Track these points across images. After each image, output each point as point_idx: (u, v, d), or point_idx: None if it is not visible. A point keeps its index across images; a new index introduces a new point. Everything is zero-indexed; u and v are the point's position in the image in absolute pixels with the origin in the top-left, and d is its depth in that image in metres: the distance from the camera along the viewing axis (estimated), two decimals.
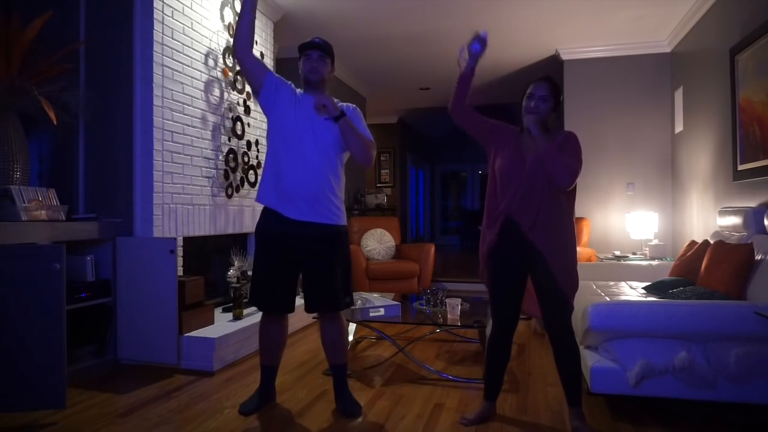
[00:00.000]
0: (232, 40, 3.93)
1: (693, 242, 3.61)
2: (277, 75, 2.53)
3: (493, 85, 7.07)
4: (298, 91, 2.52)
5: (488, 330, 2.57)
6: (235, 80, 3.98)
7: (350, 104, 2.56)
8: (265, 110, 2.50)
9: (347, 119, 2.37)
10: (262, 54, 4.33)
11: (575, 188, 2.29)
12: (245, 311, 3.61)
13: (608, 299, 2.99)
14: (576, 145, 2.28)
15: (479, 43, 2.30)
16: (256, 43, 4.27)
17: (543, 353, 3.53)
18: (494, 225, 2.31)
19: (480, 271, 2.41)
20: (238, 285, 3.61)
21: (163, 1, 3.28)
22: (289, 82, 2.54)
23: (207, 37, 3.69)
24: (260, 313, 2.59)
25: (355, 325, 3.42)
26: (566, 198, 2.28)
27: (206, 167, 3.67)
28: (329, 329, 2.54)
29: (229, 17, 3.93)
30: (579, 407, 2.28)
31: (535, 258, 2.24)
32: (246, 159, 4.11)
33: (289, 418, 2.45)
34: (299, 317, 4.19)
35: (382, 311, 3.17)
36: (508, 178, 2.28)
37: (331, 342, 2.55)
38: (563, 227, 2.26)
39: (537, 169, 2.22)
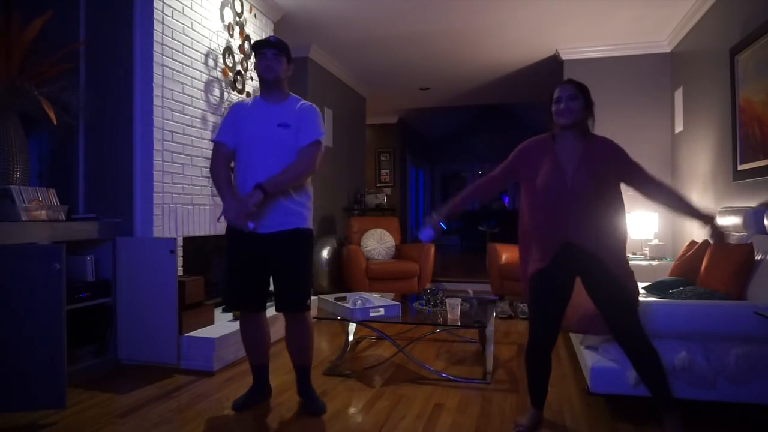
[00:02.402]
0: (232, 40, 3.94)
1: (693, 242, 3.61)
2: (227, 117, 2.57)
3: (493, 85, 7.07)
4: (250, 100, 2.59)
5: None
6: (235, 80, 3.98)
7: (306, 103, 2.54)
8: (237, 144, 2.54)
9: (270, 184, 2.32)
10: None
11: (620, 189, 2.24)
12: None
13: None
14: (627, 157, 2.23)
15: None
16: None
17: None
18: (548, 249, 2.19)
19: (522, 290, 2.34)
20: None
21: (163, 1, 3.28)
22: (243, 101, 2.62)
23: (207, 37, 3.69)
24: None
25: (355, 325, 3.42)
26: (615, 200, 2.20)
27: (206, 167, 3.66)
28: (295, 331, 2.55)
29: (229, 17, 3.93)
30: (672, 411, 2.13)
31: (593, 266, 2.15)
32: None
33: (289, 418, 2.45)
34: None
35: (382, 311, 3.17)
36: (550, 194, 2.17)
37: (296, 342, 2.56)
38: (617, 231, 2.19)
39: (581, 180, 2.12)
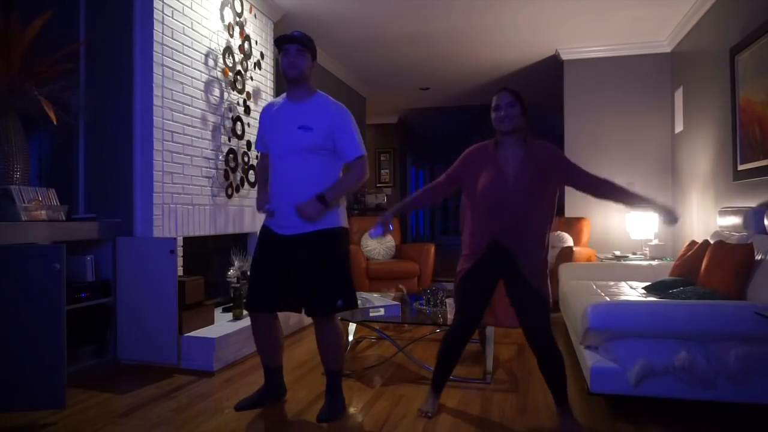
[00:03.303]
0: (232, 40, 3.94)
1: (693, 242, 3.61)
2: (260, 122, 2.59)
3: (493, 85, 7.07)
4: (279, 100, 2.53)
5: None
6: (235, 80, 3.98)
7: (338, 105, 2.47)
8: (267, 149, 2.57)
9: (330, 194, 2.36)
10: (262, 54, 4.34)
11: (556, 196, 2.33)
12: (245, 311, 3.61)
13: (608, 299, 2.99)
14: (566, 160, 2.33)
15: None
16: (256, 43, 4.27)
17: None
18: (480, 245, 2.31)
19: (456, 279, 2.43)
20: (238, 285, 3.61)
21: (163, 1, 3.28)
22: (272, 102, 2.58)
23: (207, 37, 3.68)
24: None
25: (355, 325, 3.42)
26: (549, 208, 2.30)
27: (206, 167, 3.67)
28: (320, 334, 2.47)
29: (229, 17, 3.93)
30: (567, 404, 2.34)
31: (513, 271, 2.27)
32: (246, 159, 4.11)
33: (290, 418, 2.45)
34: (299, 318, 4.19)
35: (382, 311, 3.17)
36: (491, 198, 2.27)
37: (322, 347, 2.49)
38: (543, 238, 2.30)
39: (521, 185, 2.23)
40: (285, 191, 2.41)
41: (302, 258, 2.38)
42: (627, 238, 5.29)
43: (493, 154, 2.33)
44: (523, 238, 2.25)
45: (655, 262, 4.27)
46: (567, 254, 4.76)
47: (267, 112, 2.55)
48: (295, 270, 2.40)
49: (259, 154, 2.69)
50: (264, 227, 2.51)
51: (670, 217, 2.29)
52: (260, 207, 2.56)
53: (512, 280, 2.30)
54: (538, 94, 6.95)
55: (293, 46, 2.35)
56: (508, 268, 2.28)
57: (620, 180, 2.46)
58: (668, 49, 5.34)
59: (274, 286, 2.43)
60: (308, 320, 4.28)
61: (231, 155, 3.90)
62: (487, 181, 2.28)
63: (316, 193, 2.33)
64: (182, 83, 3.45)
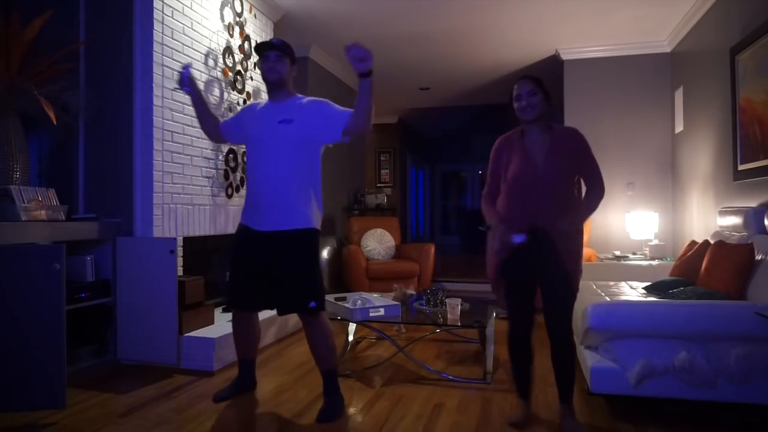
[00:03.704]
0: (232, 40, 3.94)
1: (693, 242, 3.61)
2: (240, 111, 2.70)
3: (493, 85, 7.07)
4: (262, 102, 2.64)
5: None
6: (235, 80, 3.98)
7: (310, 99, 2.55)
8: (246, 144, 2.64)
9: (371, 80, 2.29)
10: None
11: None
12: None
13: (608, 299, 2.99)
14: (587, 148, 2.30)
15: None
16: (256, 43, 4.27)
17: (543, 354, 3.52)
18: (514, 229, 2.26)
19: (490, 278, 2.39)
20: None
21: (163, 1, 3.28)
22: (256, 102, 2.69)
23: (207, 37, 3.68)
24: (261, 312, 2.65)
25: (355, 325, 3.42)
26: (574, 190, 2.31)
27: (206, 167, 3.67)
28: (308, 334, 2.51)
29: (229, 17, 3.93)
30: (571, 403, 2.32)
31: (549, 253, 2.24)
32: (246, 159, 4.10)
33: (290, 418, 2.45)
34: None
35: (382, 311, 3.17)
36: (523, 184, 2.27)
37: (313, 347, 2.52)
38: (579, 223, 2.29)
39: (551, 170, 2.23)
40: (266, 185, 2.46)
41: (278, 256, 2.44)
42: (627, 238, 5.29)
43: (519, 142, 2.33)
44: (558, 222, 2.22)
45: (655, 262, 4.28)
46: None
47: (251, 109, 2.66)
48: (271, 268, 2.46)
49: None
50: (241, 226, 2.58)
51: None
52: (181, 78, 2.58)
53: (546, 262, 2.25)
54: None
55: (273, 53, 2.48)
56: (544, 251, 2.24)
57: (620, 180, 2.46)
58: (668, 49, 5.34)
59: (253, 285, 2.51)
60: None
61: (231, 155, 3.90)
62: (517, 169, 2.28)
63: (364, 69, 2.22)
64: None
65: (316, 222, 2.53)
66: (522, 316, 2.36)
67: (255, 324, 2.70)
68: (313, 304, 2.44)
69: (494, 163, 2.41)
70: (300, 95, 2.59)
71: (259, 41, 4.28)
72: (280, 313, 2.53)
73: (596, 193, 2.33)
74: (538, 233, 2.24)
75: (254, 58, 4.22)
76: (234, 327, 2.68)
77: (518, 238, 2.23)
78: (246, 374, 2.73)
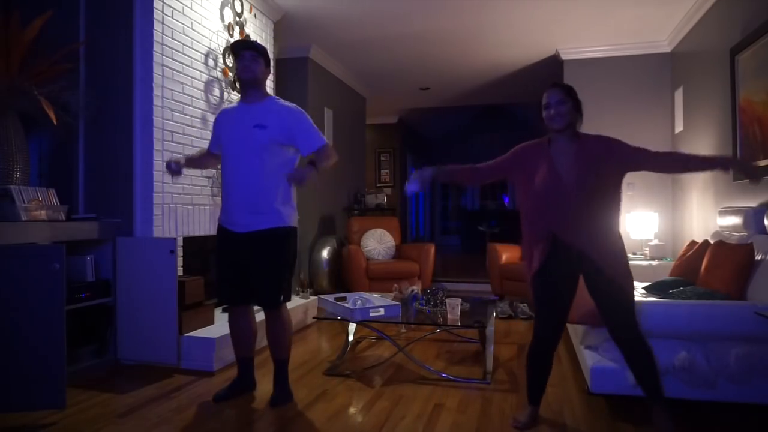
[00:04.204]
0: (232, 40, 3.94)
1: (693, 242, 3.61)
2: (214, 125, 2.77)
3: (493, 85, 7.07)
4: (234, 105, 2.71)
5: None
6: (235, 80, 3.97)
7: (291, 105, 2.61)
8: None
9: (316, 163, 2.50)
10: None
11: (621, 186, 2.26)
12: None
13: None
14: (625, 147, 2.24)
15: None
16: None
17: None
18: (540, 244, 2.24)
19: (529, 287, 2.34)
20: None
21: (163, 1, 3.28)
22: (226, 108, 2.79)
23: (207, 37, 3.68)
24: (260, 312, 2.66)
25: (355, 325, 3.42)
26: (612, 199, 2.22)
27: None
28: (271, 326, 2.64)
29: (229, 17, 3.93)
30: (662, 406, 2.19)
31: (591, 269, 2.19)
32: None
33: (290, 418, 2.45)
34: (300, 318, 4.19)
35: (382, 311, 3.17)
36: (547, 196, 2.22)
37: (272, 338, 2.65)
38: (612, 231, 2.21)
39: (576, 181, 2.17)
40: (240, 189, 2.54)
41: (255, 254, 2.54)
42: (627, 238, 5.23)
43: (546, 151, 2.28)
44: (585, 234, 2.17)
45: (655, 262, 4.27)
46: None
47: (223, 114, 2.72)
48: (249, 265, 2.56)
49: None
50: (219, 227, 2.66)
51: (752, 172, 2.18)
52: (169, 166, 2.67)
53: (591, 276, 2.20)
54: (538, 94, 6.93)
55: (248, 52, 2.55)
56: (583, 265, 2.20)
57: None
58: (668, 49, 5.34)
59: (237, 280, 2.60)
60: (309, 320, 4.28)
61: None
62: (541, 180, 2.23)
63: (309, 162, 2.49)
64: (182, 83, 3.45)
65: (294, 220, 2.63)
66: (552, 335, 2.30)
67: (251, 321, 2.75)
68: (282, 298, 2.60)
69: (509, 158, 2.37)
70: (274, 97, 2.66)
71: (258, 40, 4.30)
72: (259, 305, 2.66)
73: (673, 155, 2.29)
74: (565, 249, 2.20)
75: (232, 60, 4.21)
76: (230, 324, 2.72)
77: (411, 187, 2.38)
78: (245, 374, 2.75)
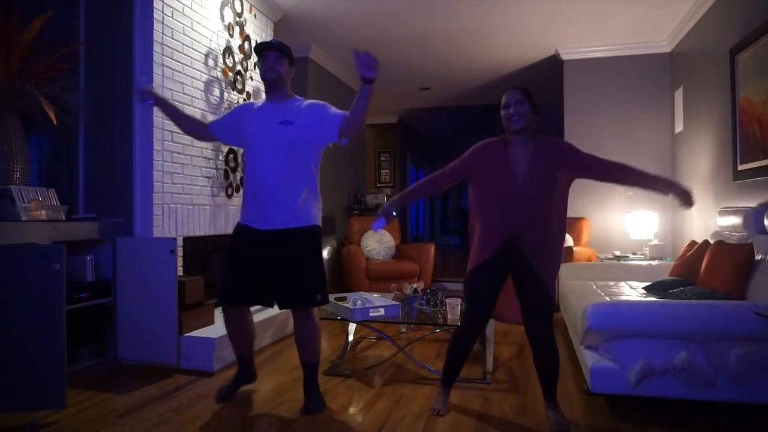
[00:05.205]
0: (232, 40, 3.94)
1: (693, 242, 3.61)
2: (235, 109, 2.70)
3: (493, 85, 7.07)
4: (259, 102, 2.65)
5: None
6: (235, 80, 3.98)
7: (311, 101, 2.57)
8: (242, 144, 2.65)
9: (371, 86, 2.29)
10: None
11: (568, 192, 2.33)
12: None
13: (608, 299, 2.99)
14: (576, 152, 2.31)
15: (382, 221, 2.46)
16: (256, 43, 4.27)
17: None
18: (492, 244, 2.30)
19: (466, 278, 2.43)
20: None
21: (163, 1, 3.28)
22: (251, 102, 2.71)
23: (207, 37, 3.68)
24: (260, 313, 2.64)
25: (355, 325, 3.42)
26: (563, 204, 2.30)
27: (206, 167, 3.67)
28: (301, 328, 2.57)
29: (229, 17, 3.93)
30: (556, 400, 2.38)
31: (524, 267, 2.28)
32: (245, 159, 4.10)
33: (289, 418, 2.45)
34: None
35: (382, 311, 3.17)
36: (502, 198, 2.27)
37: (302, 340, 2.58)
38: (559, 236, 2.31)
39: (532, 185, 2.23)
40: (266, 186, 2.48)
41: (283, 253, 2.48)
42: (627, 238, 5.29)
43: (503, 152, 2.31)
44: (535, 236, 2.24)
45: (655, 262, 4.28)
46: (567, 254, 4.76)
47: (247, 108, 2.66)
48: (275, 265, 2.49)
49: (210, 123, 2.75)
50: (240, 225, 2.60)
51: (686, 199, 2.24)
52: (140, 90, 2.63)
53: (522, 275, 2.30)
54: (538, 94, 6.87)
55: (272, 53, 2.51)
56: (519, 264, 2.28)
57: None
58: (668, 49, 5.34)
59: (249, 281, 2.53)
60: None
61: (231, 155, 3.90)
62: (497, 180, 2.28)
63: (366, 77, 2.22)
64: (182, 83, 3.45)
65: (319, 219, 2.60)
66: (476, 325, 2.41)
67: (249, 319, 2.71)
68: (319, 296, 2.53)
69: (468, 159, 2.38)
70: (299, 97, 2.61)
71: (259, 41, 4.30)
72: (282, 307, 2.58)
73: (622, 166, 2.32)
74: (511, 249, 2.27)
75: (254, 58, 4.22)
76: (227, 325, 2.67)
77: (377, 225, 2.39)
78: (245, 368, 2.74)
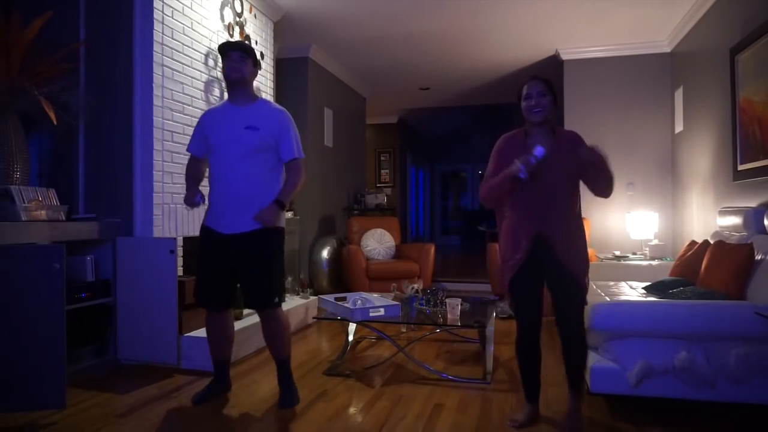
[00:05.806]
0: (232, 40, 3.94)
1: (693, 242, 3.61)
2: (198, 125, 2.69)
3: (493, 85, 7.07)
4: (220, 105, 2.68)
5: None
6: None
7: (281, 109, 2.62)
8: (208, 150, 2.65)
9: (284, 197, 2.54)
10: (262, 54, 4.33)
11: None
12: (245, 311, 3.61)
13: (608, 299, 2.99)
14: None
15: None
16: (256, 43, 4.27)
17: (544, 354, 3.51)
18: (520, 242, 2.26)
19: (502, 283, 2.39)
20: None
21: (163, 1, 3.28)
22: (213, 107, 2.77)
23: (207, 37, 3.68)
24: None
25: (355, 325, 3.42)
26: (578, 195, 2.29)
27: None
28: (266, 326, 2.62)
29: (229, 17, 3.93)
30: (580, 392, 2.33)
31: (552, 258, 2.24)
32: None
33: (289, 418, 2.45)
34: (300, 318, 4.19)
35: (382, 311, 3.17)
36: (525, 192, 2.23)
37: (268, 338, 2.64)
38: (579, 225, 2.30)
39: (557, 178, 2.21)
40: (231, 191, 2.52)
41: (246, 255, 2.52)
42: (627, 238, 5.29)
43: (523, 144, 2.28)
44: (562, 227, 2.22)
45: (655, 262, 4.28)
46: None
47: (208, 116, 2.67)
48: (236, 268, 2.55)
49: (189, 156, 2.76)
50: (205, 228, 2.62)
51: (591, 154, 2.13)
52: (191, 202, 2.60)
53: (553, 268, 2.25)
54: None
55: (236, 53, 2.54)
56: (548, 256, 2.24)
57: (620, 180, 2.43)
58: (668, 49, 5.34)
59: (221, 284, 2.59)
60: (309, 320, 4.28)
61: None
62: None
63: (274, 199, 2.51)
64: (182, 83, 3.45)
65: (282, 220, 2.62)
66: (532, 323, 2.35)
67: (228, 324, 2.73)
68: (276, 299, 2.58)
69: (496, 162, 2.34)
70: (263, 99, 2.66)
71: (259, 41, 4.31)
72: (249, 307, 2.67)
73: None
74: (542, 243, 2.23)
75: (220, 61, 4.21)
76: (207, 328, 2.69)
77: (539, 151, 2.09)
78: (220, 375, 2.74)
